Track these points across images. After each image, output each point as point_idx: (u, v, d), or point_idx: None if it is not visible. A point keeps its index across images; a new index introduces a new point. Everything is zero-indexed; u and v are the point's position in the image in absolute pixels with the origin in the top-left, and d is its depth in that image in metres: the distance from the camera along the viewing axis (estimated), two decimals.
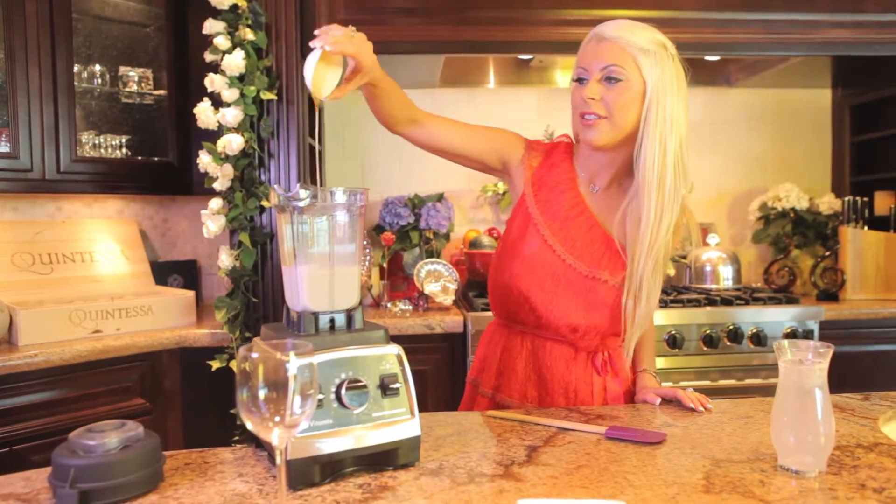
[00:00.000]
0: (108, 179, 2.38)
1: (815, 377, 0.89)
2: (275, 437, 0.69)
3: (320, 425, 0.87)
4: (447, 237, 2.82)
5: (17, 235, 2.31)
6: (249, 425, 0.68)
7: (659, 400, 1.28)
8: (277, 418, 0.68)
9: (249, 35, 2.14)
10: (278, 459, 0.70)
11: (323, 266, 0.95)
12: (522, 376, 1.35)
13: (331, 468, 0.89)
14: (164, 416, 2.17)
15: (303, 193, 0.92)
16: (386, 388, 0.92)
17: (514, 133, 1.42)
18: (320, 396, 0.87)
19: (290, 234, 0.94)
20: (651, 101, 1.22)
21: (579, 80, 1.26)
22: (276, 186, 0.93)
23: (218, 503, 0.84)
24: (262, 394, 0.67)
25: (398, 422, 0.92)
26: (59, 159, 2.24)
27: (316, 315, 0.94)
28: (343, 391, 0.89)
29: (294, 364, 0.68)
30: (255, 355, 0.67)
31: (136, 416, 2.08)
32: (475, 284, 2.72)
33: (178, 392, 2.21)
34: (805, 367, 0.90)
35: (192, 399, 2.22)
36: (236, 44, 2.13)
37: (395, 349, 0.95)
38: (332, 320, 0.95)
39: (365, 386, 0.90)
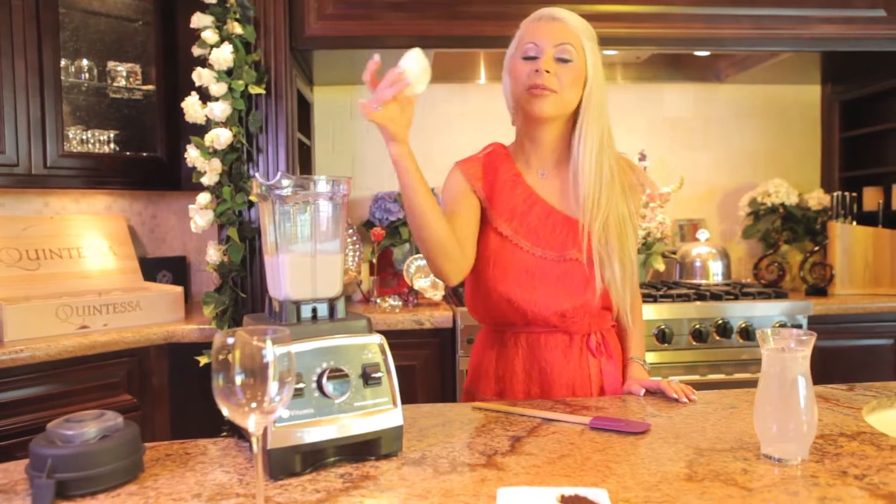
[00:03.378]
0: (95, 175, 2.36)
1: (798, 365, 0.89)
2: (251, 423, 0.68)
3: (301, 414, 0.87)
4: None
5: (4, 231, 2.29)
6: (226, 411, 0.68)
7: (643, 391, 1.28)
8: (254, 404, 0.67)
9: (237, 29, 2.13)
10: (255, 446, 0.70)
11: (305, 255, 0.94)
12: (523, 376, 1.34)
13: (312, 458, 0.88)
14: (151, 411, 2.16)
15: (285, 182, 0.91)
16: (368, 377, 0.91)
17: (451, 176, 1.40)
18: (301, 385, 0.87)
19: (272, 224, 0.93)
20: (591, 86, 1.30)
21: (528, 57, 1.29)
22: (257, 175, 0.92)
23: (197, 493, 0.83)
24: (238, 380, 0.67)
25: (380, 411, 0.92)
26: (45, 154, 2.22)
27: (298, 304, 0.93)
28: (324, 380, 0.88)
29: (270, 350, 0.67)
30: (231, 341, 0.67)
31: (124, 412, 1.99)
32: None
33: (165, 388, 2.19)
34: (788, 355, 0.90)
35: (180, 395, 2.21)
36: (224, 38, 2.12)
37: (377, 338, 0.94)
38: (314, 310, 0.95)
39: (346, 375, 0.90)
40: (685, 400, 1.20)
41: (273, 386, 0.67)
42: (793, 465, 0.88)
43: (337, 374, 0.89)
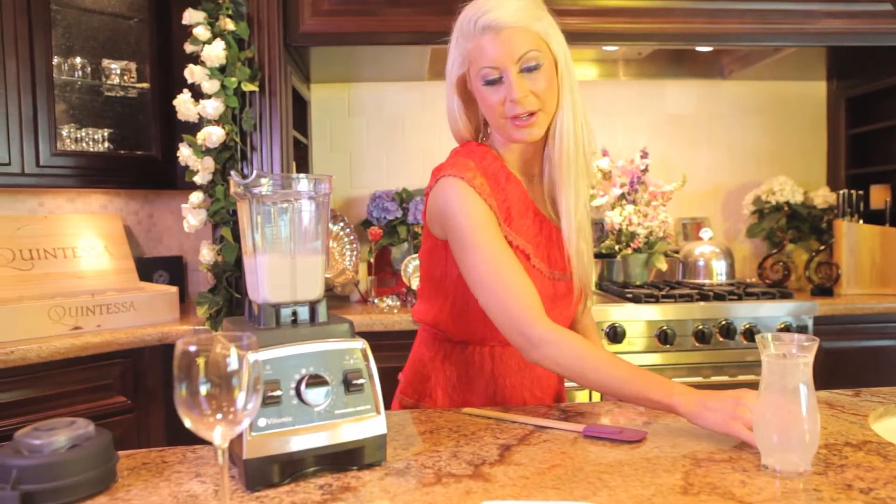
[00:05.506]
0: (89, 174, 2.34)
1: (800, 372, 0.85)
2: (217, 435, 0.64)
3: (279, 423, 0.83)
4: None
5: None
6: (188, 423, 0.64)
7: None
8: (220, 415, 0.64)
9: (230, 25, 2.10)
10: (220, 459, 0.66)
11: (285, 256, 0.90)
12: (518, 387, 1.27)
13: (291, 468, 0.85)
14: (146, 413, 2.13)
15: (262, 180, 0.88)
16: (349, 383, 0.87)
17: (476, 198, 1.14)
18: (279, 393, 0.83)
19: (250, 224, 0.90)
20: (563, 72, 1.15)
21: (490, 82, 1.12)
22: (233, 173, 0.88)
23: None
24: (203, 389, 0.63)
25: (362, 419, 0.88)
26: (38, 153, 2.19)
27: (277, 307, 0.90)
28: (303, 387, 0.84)
29: (235, 358, 0.63)
30: (192, 349, 0.63)
31: (118, 415, 2.05)
32: None
33: (160, 389, 2.16)
34: (789, 362, 0.85)
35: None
36: (216, 34, 2.09)
37: (359, 343, 0.91)
38: (294, 313, 0.91)
39: (327, 381, 0.86)
40: None
41: (240, 396, 0.64)
42: (794, 478, 0.84)
43: (316, 381, 0.85)
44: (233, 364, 0.63)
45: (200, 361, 0.63)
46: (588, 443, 0.99)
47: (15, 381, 1.86)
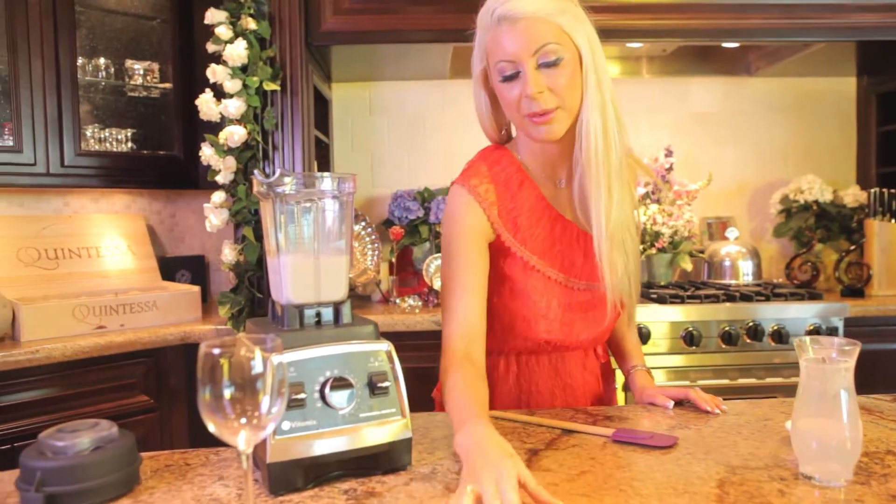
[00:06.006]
0: (112, 174, 2.35)
1: (840, 378, 0.82)
2: (241, 440, 0.63)
3: (303, 426, 0.82)
4: None
5: (23, 230, 2.29)
6: (212, 428, 0.63)
7: (672, 403, 1.18)
8: (244, 420, 0.62)
9: (252, 24, 2.09)
10: (244, 464, 0.65)
11: (308, 256, 0.89)
12: (548, 395, 1.24)
13: (315, 472, 0.83)
14: (169, 412, 2.13)
15: (286, 179, 0.86)
16: (374, 386, 0.86)
17: (469, 209, 1.13)
18: (303, 395, 0.82)
19: (273, 224, 0.89)
20: (588, 67, 1.06)
21: (508, 77, 1.06)
22: (256, 173, 0.87)
23: None
24: (227, 393, 0.62)
25: (387, 423, 0.86)
26: (62, 153, 2.21)
27: (301, 308, 0.88)
28: (328, 390, 0.83)
29: (260, 361, 0.62)
30: (216, 351, 0.62)
31: (141, 413, 2.05)
32: None
33: (183, 388, 2.17)
34: (829, 367, 0.82)
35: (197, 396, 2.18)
36: (238, 33, 2.08)
37: (384, 345, 0.89)
38: (318, 314, 0.89)
39: (351, 384, 0.85)
40: (717, 411, 1.12)
41: (265, 399, 0.62)
42: (835, 487, 0.81)
43: (341, 384, 0.84)
44: (257, 367, 0.62)
45: (224, 364, 0.61)
46: (618, 448, 0.96)
47: (40, 379, 1.87)
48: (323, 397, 0.83)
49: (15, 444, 1.81)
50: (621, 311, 1.19)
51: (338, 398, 0.83)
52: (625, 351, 1.34)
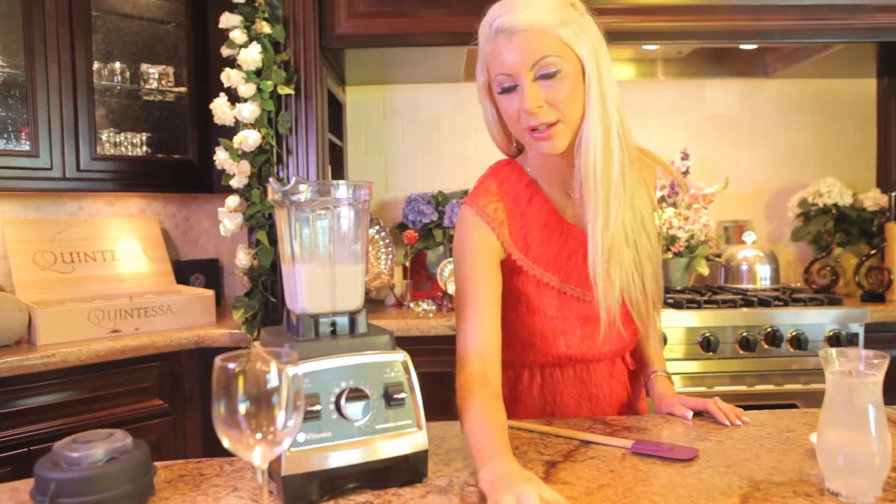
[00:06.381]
0: (127, 178, 2.35)
1: (868, 392, 0.79)
2: (256, 456, 0.62)
3: (318, 438, 0.81)
4: None
5: (39, 234, 2.30)
6: (227, 443, 0.62)
7: (691, 413, 1.15)
8: (259, 435, 0.61)
9: (266, 28, 2.09)
10: (259, 479, 0.64)
11: (324, 265, 0.88)
12: (573, 405, 1.22)
13: (330, 484, 0.82)
14: (182, 416, 2.13)
15: (301, 187, 0.85)
16: (390, 397, 0.85)
17: (478, 232, 1.12)
18: (318, 407, 0.81)
19: (288, 231, 0.88)
20: (591, 78, 1.03)
21: (505, 90, 1.04)
22: (271, 181, 0.86)
23: None
24: (241, 408, 0.61)
25: (403, 434, 0.85)
26: (78, 158, 2.22)
27: (316, 318, 0.87)
28: (343, 401, 0.82)
29: (276, 374, 0.61)
30: (231, 366, 0.61)
31: (155, 417, 2.06)
32: None
33: (197, 393, 2.17)
34: (856, 381, 0.80)
35: (211, 400, 2.18)
36: (253, 38, 2.08)
37: (400, 356, 0.88)
38: (333, 324, 0.88)
39: (367, 395, 0.83)
40: (738, 423, 1.10)
41: (280, 414, 0.61)
42: None
43: (357, 395, 0.83)
44: (273, 381, 0.61)
45: (239, 379, 0.60)
46: (637, 460, 0.95)
47: (56, 383, 1.88)
48: (338, 409, 0.82)
49: (31, 448, 1.82)
50: (611, 327, 1.13)
51: (353, 410, 0.82)
52: (645, 356, 1.32)
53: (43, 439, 1.83)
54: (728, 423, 1.10)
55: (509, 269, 1.15)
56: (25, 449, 1.81)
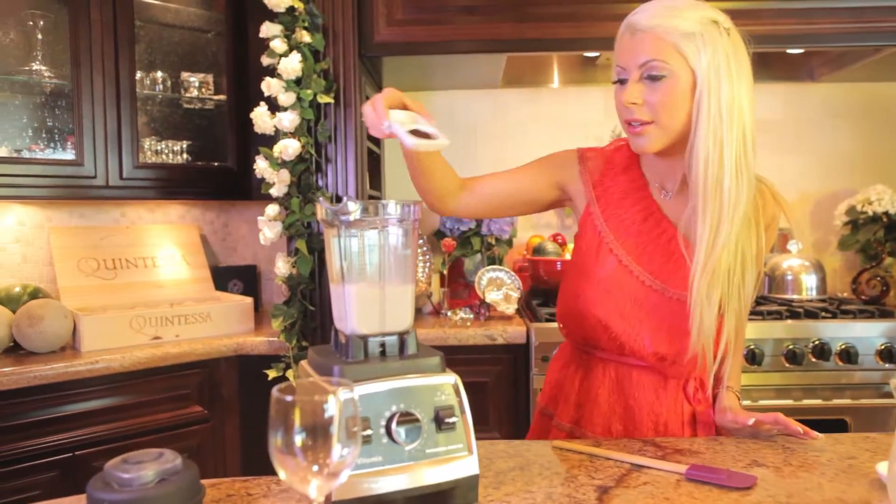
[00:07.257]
0: (168, 185, 2.38)
1: None
2: (313, 489, 0.61)
3: (368, 462, 0.80)
4: (510, 243, 2.72)
5: (83, 241, 2.34)
6: (283, 475, 0.61)
7: (753, 419, 1.11)
8: (316, 467, 0.60)
9: (306, 37, 2.10)
10: None
11: (373, 285, 0.87)
12: (606, 409, 1.21)
13: None
14: (221, 423, 2.15)
15: (351, 206, 0.84)
16: (441, 421, 0.83)
17: (563, 151, 1.30)
18: (369, 431, 0.79)
19: (338, 251, 0.87)
20: (702, 93, 1.05)
21: (620, 81, 1.11)
22: (322, 200, 0.86)
23: None
24: (298, 440, 0.60)
25: (454, 459, 0.84)
26: (121, 166, 2.25)
27: (365, 339, 0.86)
28: (394, 425, 0.81)
29: (333, 405, 0.60)
30: (288, 398, 0.59)
31: (195, 424, 2.07)
32: (539, 292, 2.61)
33: (235, 400, 2.19)
34: None
35: (249, 407, 2.19)
36: (293, 47, 2.09)
37: (451, 378, 0.86)
38: (382, 344, 0.87)
39: (418, 419, 0.82)
40: (815, 435, 1.07)
41: (337, 447, 0.60)
42: None
43: (407, 419, 0.81)
44: (330, 410, 0.60)
45: (297, 411, 0.59)
46: (692, 487, 0.92)
47: (99, 389, 1.91)
48: (389, 433, 0.81)
49: (76, 453, 1.85)
50: (695, 359, 1.13)
51: (404, 434, 0.81)
52: (722, 371, 1.26)
53: (88, 444, 1.86)
54: (814, 436, 1.07)
55: (590, 230, 1.22)
56: (71, 454, 1.84)
